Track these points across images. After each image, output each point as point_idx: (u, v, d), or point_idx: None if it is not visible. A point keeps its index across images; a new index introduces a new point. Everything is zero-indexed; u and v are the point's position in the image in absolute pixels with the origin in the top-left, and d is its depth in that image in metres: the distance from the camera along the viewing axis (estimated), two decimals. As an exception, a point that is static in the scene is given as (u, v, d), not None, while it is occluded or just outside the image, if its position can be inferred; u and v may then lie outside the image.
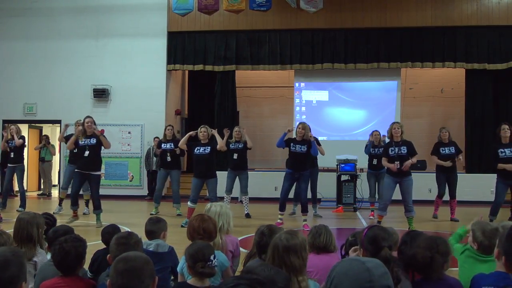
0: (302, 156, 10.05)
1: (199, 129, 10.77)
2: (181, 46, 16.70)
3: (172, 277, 4.36)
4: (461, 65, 15.82)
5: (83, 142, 10.16)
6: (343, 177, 13.30)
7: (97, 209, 10.27)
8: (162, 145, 12.06)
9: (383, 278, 1.93)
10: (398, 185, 9.67)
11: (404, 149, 9.57)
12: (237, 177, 11.81)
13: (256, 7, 15.42)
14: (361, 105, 16.91)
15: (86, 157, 10.11)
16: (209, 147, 10.54)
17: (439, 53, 15.82)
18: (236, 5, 15.40)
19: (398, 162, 9.51)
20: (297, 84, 17.20)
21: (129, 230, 3.92)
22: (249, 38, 16.52)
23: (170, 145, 11.96)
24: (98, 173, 10.33)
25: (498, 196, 9.54)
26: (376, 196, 11.70)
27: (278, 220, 9.88)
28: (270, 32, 16.43)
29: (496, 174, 9.81)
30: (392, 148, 9.59)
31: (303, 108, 17.16)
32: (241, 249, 5.03)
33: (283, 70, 16.94)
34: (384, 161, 9.87)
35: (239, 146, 11.73)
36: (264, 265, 2.17)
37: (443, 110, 18.05)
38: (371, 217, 11.59)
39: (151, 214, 11.70)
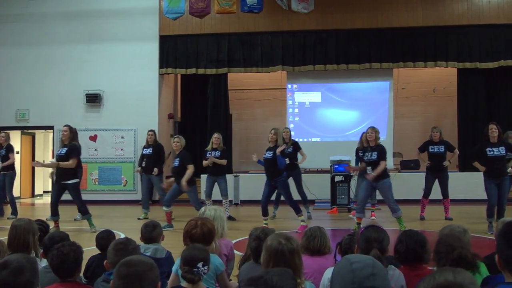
0: (268, 162, 10.09)
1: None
2: (173, 50, 16.68)
3: (167, 282, 4.36)
4: (453, 64, 15.88)
5: (58, 152, 10.10)
6: (337, 178, 13.30)
7: (85, 214, 10.19)
8: (144, 150, 12.08)
9: (368, 280, 1.94)
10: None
11: (374, 155, 9.59)
12: (215, 182, 11.70)
13: (248, 10, 15.46)
14: (354, 106, 16.94)
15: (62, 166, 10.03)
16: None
17: (430, 52, 15.87)
18: (228, 8, 15.43)
19: (370, 168, 9.59)
20: (289, 86, 17.21)
21: (127, 236, 3.91)
22: (241, 41, 16.52)
23: (150, 150, 11.97)
24: (74, 181, 10.12)
25: (490, 197, 9.52)
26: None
27: (263, 225, 9.85)
28: (262, 34, 16.44)
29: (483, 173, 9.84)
30: (367, 154, 9.68)
31: (296, 110, 17.17)
32: (235, 251, 5.04)
33: (275, 72, 16.93)
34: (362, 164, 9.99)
35: (216, 154, 11.56)
36: (268, 273, 2.16)
37: (435, 110, 18.12)
38: (352, 216, 11.68)
39: (138, 218, 11.75)
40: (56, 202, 10.11)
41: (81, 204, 10.18)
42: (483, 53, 15.72)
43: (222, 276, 4.05)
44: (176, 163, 10.43)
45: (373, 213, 11.80)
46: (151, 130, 12.40)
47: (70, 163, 9.87)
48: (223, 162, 11.54)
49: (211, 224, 4.23)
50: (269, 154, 10.06)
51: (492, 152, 9.42)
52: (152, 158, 11.97)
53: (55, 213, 10.09)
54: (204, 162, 11.45)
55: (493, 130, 9.49)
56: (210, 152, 11.50)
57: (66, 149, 10.02)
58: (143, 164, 12.07)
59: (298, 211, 10.14)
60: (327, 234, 4.23)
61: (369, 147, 9.69)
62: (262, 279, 2.12)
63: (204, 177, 12.11)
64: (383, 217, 10.56)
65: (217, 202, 11.32)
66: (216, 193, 11.74)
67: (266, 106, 18.83)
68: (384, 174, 9.64)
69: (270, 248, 3.14)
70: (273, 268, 2.24)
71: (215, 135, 11.77)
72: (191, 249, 3.52)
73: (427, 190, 11.45)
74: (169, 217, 10.53)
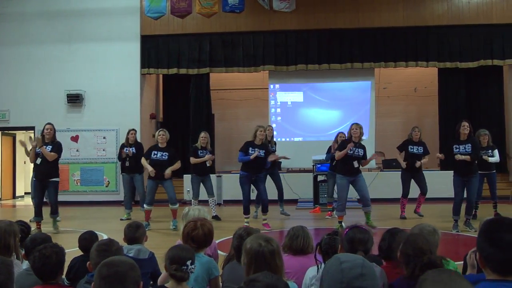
0: (261, 159, 10.16)
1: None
2: (154, 50, 16.63)
3: (151, 282, 4.35)
4: (434, 64, 16.04)
5: (39, 150, 9.98)
6: (320, 178, 13.34)
7: (54, 213, 10.12)
8: (125, 150, 11.98)
9: (357, 280, 1.95)
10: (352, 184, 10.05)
11: (361, 151, 9.83)
12: (202, 181, 11.69)
13: (229, 9, 15.45)
14: (335, 106, 17.01)
15: (39, 164, 9.96)
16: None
17: (411, 52, 16.01)
18: (209, 8, 15.41)
19: (356, 161, 9.85)
20: (271, 86, 17.24)
21: (110, 238, 3.90)
22: (223, 41, 16.52)
23: (133, 149, 11.89)
24: (56, 179, 10.13)
25: (456, 195, 9.62)
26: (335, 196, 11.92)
27: (245, 224, 9.90)
28: (244, 34, 16.44)
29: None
30: (351, 148, 9.73)
31: (278, 110, 17.21)
32: (219, 252, 5.04)
33: (257, 72, 16.95)
34: (338, 154, 9.94)
35: (208, 153, 11.62)
36: (264, 274, 2.20)
37: (416, 109, 18.26)
38: (328, 216, 11.84)
39: (121, 219, 11.69)
40: (41, 203, 10.09)
41: (55, 203, 10.11)
42: (463, 53, 15.89)
43: (215, 281, 4.05)
44: (165, 157, 10.44)
45: (329, 212, 12.07)
46: (133, 129, 12.32)
47: (53, 154, 9.94)
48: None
49: (210, 224, 4.24)
50: (261, 153, 10.12)
51: (458, 150, 9.46)
52: (136, 158, 11.89)
53: (39, 214, 10.04)
54: (196, 159, 11.35)
55: (465, 128, 9.50)
56: (202, 151, 11.48)
57: (51, 146, 10.02)
58: (127, 164, 11.97)
59: (266, 210, 10.30)
60: (310, 233, 4.24)
61: (353, 143, 9.78)
62: (263, 275, 2.15)
63: (187, 177, 12.00)
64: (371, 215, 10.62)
65: (200, 202, 11.31)
66: (201, 194, 11.74)
67: (248, 106, 18.83)
68: (359, 169, 9.97)
69: (251, 250, 3.11)
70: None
71: (202, 134, 11.71)
72: (177, 249, 3.52)
73: (406, 190, 11.54)
74: (149, 215, 10.52)
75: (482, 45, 15.81)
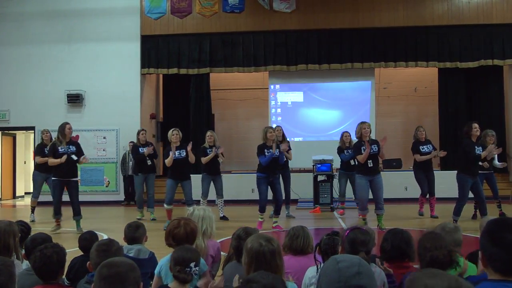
0: (277, 160, 10.11)
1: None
2: (154, 50, 16.62)
3: (151, 282, 4.35)
4: (434, 64, 16.04)
5: (62, 150, 9.92)
6: (320, 178, 13.32)
7: (77, 215, 10.14)
8: (140, 150, 11.91)
9: (354, 278, 1.96)
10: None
11: (375, 148, 9.75)
12: (212, 180, 11.74)
13: (229, 9, 15.49)
14: (336, 106, 17.01)
15: (70, 163, 9.94)
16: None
17: (411, 52, 16.01)
18: (209, 8, 15.44)
19: (371, 161, 9.72)
20: (271, 86, 17.23)
21: (110, 237, 3.90)
22: (223, 41, 16.50)
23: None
24: (76, 179, 10.21)
25: (464, 197, 9.67)
26: (346, 195, 12.09)
27: (260, 219, 10.00)
28: (244, 34, 16.43)
29: (457, 172, 9.95)
30: (364, 148, 9.71)
31: (278, 110, 17.20)
32: (221, 253, 5.03)
33: (258, 72, 16.95)
34: (361, 157, 9.86)
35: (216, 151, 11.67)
36: (262, 273, 2.20)
37: (416, 109, 18.26)
38: (339, 215, 11.95)
39: (137, 219, 11.65)
40: (60, 202, 10.13)
41: (78, 203, 10.17)
42: (463, 53, 15.89)
43: (205, 275, 4.06)
44: (183, 154, 10.45)
45: (342, 210, 12.28)
46: (143, 129, 12.33)
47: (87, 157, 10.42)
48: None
49: (194, 224, 4.23)
50: (276, 153, 10.02)
51: (478, 151, 9.58)
52: (154, 157, 11.99)
53: (59, 212, 10.09)
54: (207, 158, 11.34)
55: (477, 129, 9.69)
56: (210, 150, 11.47)
57: (74, 146, 10.13)
58: (149, 162, 11.91)
59: (279, 212, 10.23)
60: (310, 233, 4.24)
61: (364, 142, 9.76)
62: (260, 275, 2.15)
63: (197, 176, 11.91)
64: (370, 215, 10.61)
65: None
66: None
67: (248, 106, 18.81)
68: (378, 169, 9.97)
69: (251, 250, 3.12)
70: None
71: (208, 133, 11.77)
72: (182, 250, 3.52)
73: (425, 189, 11.54)
74: (170, 214, 10.52)
75: (482, 45, 15.81)
